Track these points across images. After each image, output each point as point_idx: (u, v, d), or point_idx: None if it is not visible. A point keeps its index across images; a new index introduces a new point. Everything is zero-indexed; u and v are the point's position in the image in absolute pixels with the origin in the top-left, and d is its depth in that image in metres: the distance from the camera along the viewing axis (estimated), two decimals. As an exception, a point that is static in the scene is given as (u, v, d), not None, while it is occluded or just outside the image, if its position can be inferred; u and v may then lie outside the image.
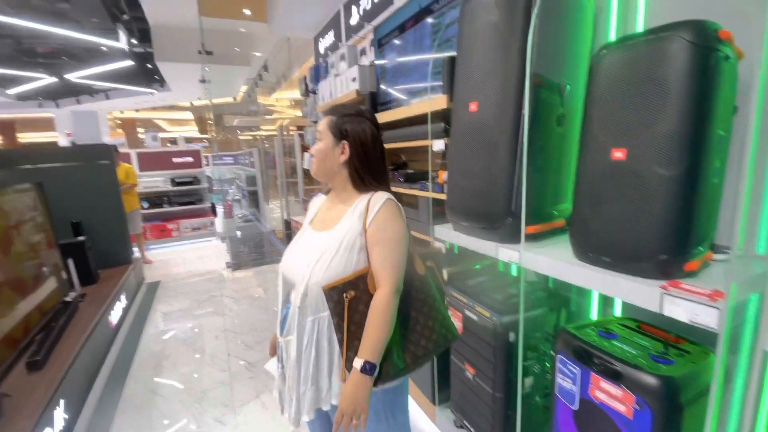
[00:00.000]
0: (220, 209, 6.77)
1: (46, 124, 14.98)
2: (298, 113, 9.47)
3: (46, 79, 8.72)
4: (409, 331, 1.05)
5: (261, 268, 4.75)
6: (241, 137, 18.47)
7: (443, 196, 1.73)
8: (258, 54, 6.58)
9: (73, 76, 8.47)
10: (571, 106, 1.28)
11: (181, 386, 2.36)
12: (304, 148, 5.42)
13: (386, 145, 1.28)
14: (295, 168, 5.84)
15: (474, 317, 1.45)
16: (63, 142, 12.60)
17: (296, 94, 7.14)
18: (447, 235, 1.56)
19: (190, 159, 6.10)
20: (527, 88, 1.16)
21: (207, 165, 6.79)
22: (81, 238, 3.13)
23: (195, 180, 6.14)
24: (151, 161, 5.83)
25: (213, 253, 5.65)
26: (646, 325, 1.17)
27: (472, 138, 1.34)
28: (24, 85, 9.33)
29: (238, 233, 6.59)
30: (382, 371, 0.97)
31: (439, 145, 1.67)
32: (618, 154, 0.95)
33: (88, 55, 7.78)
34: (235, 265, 4.88)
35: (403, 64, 2.21)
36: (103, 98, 10.28)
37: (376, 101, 2.52)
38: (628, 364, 0.97)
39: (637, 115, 0.92)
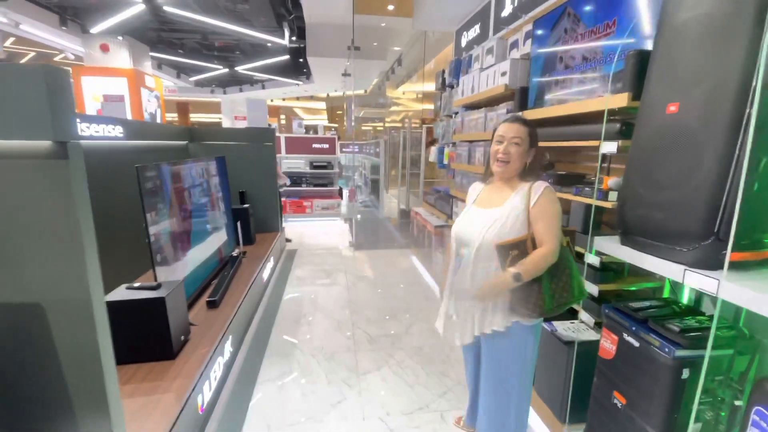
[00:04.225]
0: (345, 193, 7.35)
1: (212, 107, 18.21)
2: (423, 106, 9.62)
3: (220, 70, 10.56)
4: (555, 284, 1.35)
5: (377, 252, 5.04)
6: (363, 127, 19.61)
7: (607, 204, 1.58)
8: (396, 48, 6.85)
9: (241, 68, 10.09)
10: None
11: (315, 343, 2.68)
12: (429, 143, 5.51)
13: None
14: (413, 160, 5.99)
15: (635, 343, 1.31)
16: (227, 123, 15.17)
17: (423, 87, 7.26)
18: (612, 249, 1.43)
19: (326, 146, 6.74)
20: (758, 89, 0.98)
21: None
22: (246, 205, 3.76)
23: (329, 165, 6.79)
24: (295, 145, 6.62)
25: (337, 231, 6.20)
26: None
27: (665, 143, 1.19)
28: (203, 74, 11.45)
29: (358, 216, 7.09)
30: (533, 301, 1.33)
31: (610, 147, 1.52)
32: None
33: (255, 51, 9.17)
34: (357, 245, 5.27)
35: (567, 59, 2.06)
36: (260, 88, 12.06)
37: (526, 97, 2.40)
38: None
39: None
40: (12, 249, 0.91)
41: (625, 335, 1.36)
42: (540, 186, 1.36)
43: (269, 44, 7.71)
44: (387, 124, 14.32)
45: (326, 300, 3.44)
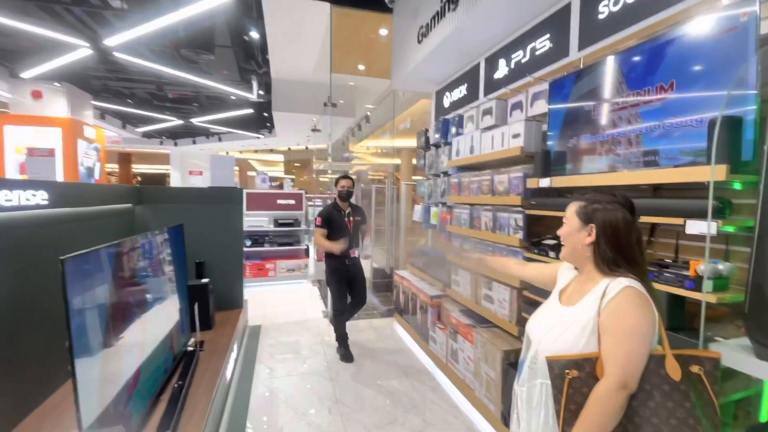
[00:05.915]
0: (311, 251, 6.76)
1: (157, 158, 17.10)
2: (394, 161, 9.57)
3: (173, 122, 9.91)
4: None
5: (356, 323, 4.45)
6: (321, 179, 19.35)
7: (697, 296, 1.28)
8: (369, 106, 6.78)
9: (198, 120, 9.54)
10: None
11: (301, 478, 2.01)
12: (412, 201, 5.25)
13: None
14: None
15: None
16: (176, 176, 14.19)
17: (394, 143, 7.17)
18: (747, 366, 1.07)
19: (292, 201, 6.24)
20: None
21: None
22: (205, 280, 3.10)
23: (295, 222, 6.24)
24: (258, 201, 6.06)
25: (305, 296, 5.53)
26: None
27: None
28: (153, 125, 10.67)
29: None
30: None
31: (712, 228, 1.23)
32: None
33: (213, 103, 8.73)
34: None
35: (608, 121, 1.85)
36: (216, 140, 11.47)
37: (549, 162, 2.16)
38: None
39: None
40: None
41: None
42: (618, 284, 1.02)
43: (233, 97, 7.34)
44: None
45: (306, 399, 2.77)
